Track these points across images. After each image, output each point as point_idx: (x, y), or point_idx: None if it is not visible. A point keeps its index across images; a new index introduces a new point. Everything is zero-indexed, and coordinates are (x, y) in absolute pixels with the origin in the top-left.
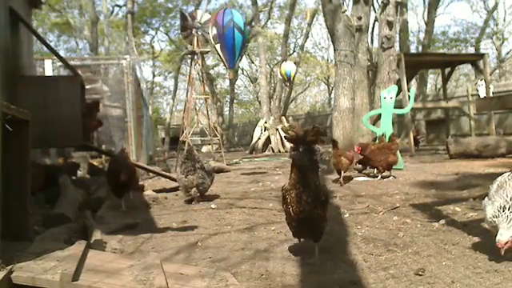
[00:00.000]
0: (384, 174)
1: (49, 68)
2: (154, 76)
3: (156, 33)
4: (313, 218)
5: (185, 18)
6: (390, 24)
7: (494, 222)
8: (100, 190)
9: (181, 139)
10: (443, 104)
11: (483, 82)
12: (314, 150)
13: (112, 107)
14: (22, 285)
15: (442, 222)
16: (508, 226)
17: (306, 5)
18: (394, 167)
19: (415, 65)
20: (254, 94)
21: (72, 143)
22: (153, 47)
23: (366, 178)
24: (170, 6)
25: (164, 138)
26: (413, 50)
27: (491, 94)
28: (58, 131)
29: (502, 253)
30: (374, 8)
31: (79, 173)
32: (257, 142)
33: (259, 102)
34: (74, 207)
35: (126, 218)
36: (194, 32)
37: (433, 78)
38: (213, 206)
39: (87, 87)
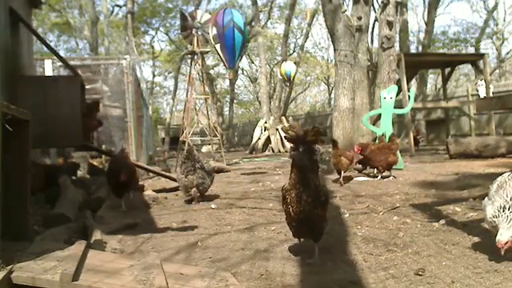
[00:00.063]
0: (384, 174)
1: (49, 68)
2: (154, 76)
3: (156, 33)
4: (313, 218)
5: (185, 18)
6: (389, 24)
7: (494, 221)
8: (100, 189)
9: (181, 139)
10: (443, 104)
11: (483, 81)
12: (313, 150)
13: (112, 107)
14: (22, 285)
15: (442, 221)
16: (508, 226)
17: (306, 5)
18: (394, 167)
19: (415, 65)
20: (254, 94)
21: (72, 143)
22: (153, 47)
23: (365, 178)
24: (170, 5)
25: (164, 138)
26: (413, 50)
27: (491, 94)
28: (58, 131)
29: (502, 253)
30: (374, 8)
31: (79, 173)
32: (257, 142)
33: (259, 102)
34: (74, 207)
35: (126, 217)
36: (194, 32)
37: (433, 78)
38: (213, 205)
39: (87, 87)
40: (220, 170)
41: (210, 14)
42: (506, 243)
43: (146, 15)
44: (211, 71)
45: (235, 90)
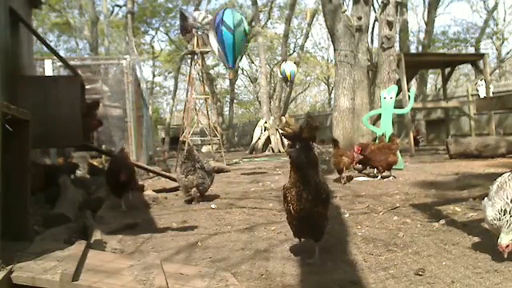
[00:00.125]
0: (384, 174)
1: (49, 68)
2: (154, 76)
3: (156, 33)
4: (313, 216)
5: (185, 18)
6: (389, 24)
7: (495, 224)
8: (100, 190)
9: (181, 139)
10: (443, 104)
11: (483, 81)
12: (311, 147)
13: (112, 107)
14: (22, 285)
15: (442, 221)
16: (508, 230)
17: (306, 5)
18: (394, 167)
19: (415, 65)
20: (254, 94)
21: (72, 143)
22: (153, 47)
23: (365, 178)
24: (170, 5)
25: (164, 138)
26: (413, 50)
27: (491, 94)
28: (58, 131)
29: (506, 255)
30: (374, 8)
31: (79, 173)
32: (257, 142)
33: (259, 102)
34: (74, 207)
35: (126, 217)
36: (194, 32)
37: (433, 78)
38: (213, 205)
39: (87, 87)
40: (220, 170)
41: (210, 14)
42: (507, 246)
43: (146, 15)
44: (211, 71)
45: (235, 90)
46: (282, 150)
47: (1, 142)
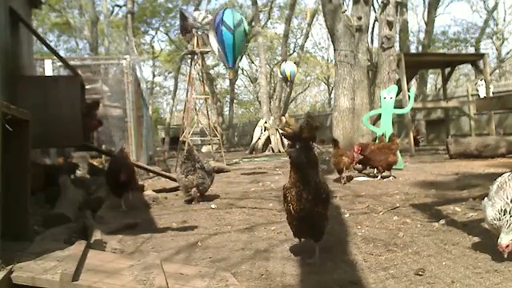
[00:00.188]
0: (384, 174)
1: (49, 68)
2: (154, 76)
3: (156, 33)
4: (313, 216)
5: (185, 18)
6: (389, 24)
7: (496, 224)
8: (100, 190)
9: (181, 139)
10: (443, 104)
11: (483, 81)
12: (311, 147)
13: (112, 107)
14: (22, 285)
15: (442, 221)
16: (508, 230)
17: (306, 5)
18: (394, 167)
19: (415, 65)
20: (254, 94)
21: (72, 143)
22: (153, 47)
23: (366, 178)
24: (170, 5)
25: (164, 138)
26: (413, 50)
27: (491, 94)
28: (58, 131)
29: (506, 255)
30: (374, 8)
31: (79, 173)
32: (257, 142)
33: (259, 102)
34: (74, 207)
35: (126, 218)
36: (194, 32)
37: (433, 78)
38: (213, 205)
39: (87, 87)
40: (220, 170)
41: (210, 14)
42: (507, 246)
43: (146, 15)
44: (211, 71)
45: (235, 90)
46: (282, 149)
47: (1, 142)
